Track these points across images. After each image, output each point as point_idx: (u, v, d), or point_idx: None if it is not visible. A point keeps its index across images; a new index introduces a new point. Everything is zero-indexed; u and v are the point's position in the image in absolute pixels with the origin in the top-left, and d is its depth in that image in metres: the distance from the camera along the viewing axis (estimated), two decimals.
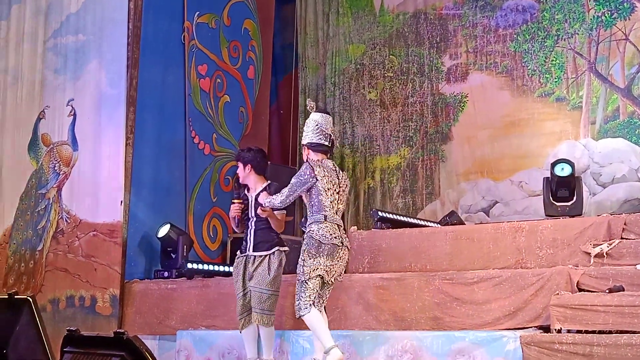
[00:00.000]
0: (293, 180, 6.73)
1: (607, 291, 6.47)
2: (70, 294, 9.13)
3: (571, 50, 10.05)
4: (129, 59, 9.20)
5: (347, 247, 6.75)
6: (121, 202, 8.94)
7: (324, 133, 6.77)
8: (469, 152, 10.51)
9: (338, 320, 7.53)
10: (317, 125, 6.79)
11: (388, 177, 10.86)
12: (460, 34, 10.70)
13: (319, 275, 6.51)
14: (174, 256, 8.99)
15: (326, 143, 6.79)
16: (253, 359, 7.23)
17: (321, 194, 6.63)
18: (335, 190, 6.69)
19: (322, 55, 11.48)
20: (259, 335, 7.20)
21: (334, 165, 6.84)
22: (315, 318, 6.50)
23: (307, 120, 6.91)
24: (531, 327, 6.79)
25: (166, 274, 8.97)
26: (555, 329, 6.45)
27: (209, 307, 8.33)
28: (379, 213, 9.04)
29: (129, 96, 9.12)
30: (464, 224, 9.52)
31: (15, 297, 3.92)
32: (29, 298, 3.90)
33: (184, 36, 9.99)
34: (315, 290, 6.52)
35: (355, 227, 9.21)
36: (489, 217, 10.17)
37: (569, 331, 6.41)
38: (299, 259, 6.61)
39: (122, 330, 3.08)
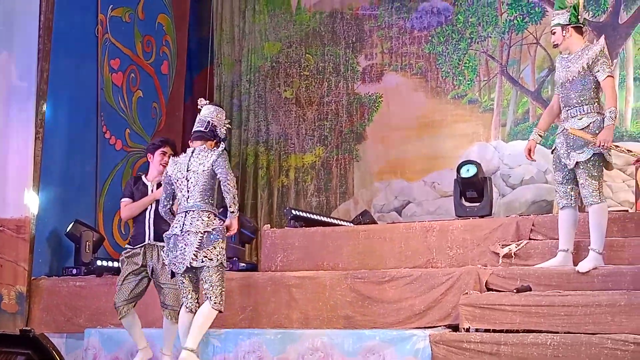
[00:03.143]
0: None
1: (515, 291, 6.59)
2: None
3: (484, 53, 10.20)
4: (40, 51, 8.99)
5: (192, 231, 6.39)
6: (29, 197, 8.77)
7: (200, 120, 6.71)
8: (383, 152, 10.58)
9: (250, 319, 7.51)
10: (198, 117, 6.76)
11: (302, 176, 10.87)
12: (375, 35, 10.77)
13: (171, 270, 6.54)
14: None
15: (200, 128, 6.67)
16: (146, 347, 7.14)
17: (176, 189, 6.61)
18: (184, 177, 6.54)
19: (238, 52, 11.43)
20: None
21: (192, 151, 6.63)
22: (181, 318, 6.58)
23: None
24: (441, 325, 6.88)
25: (75, 271, 8.82)
26: (464, 328, 6.55)
27: None
28: (293, 211, 9.04)
29: (39, 89, 8.94)
30: (377, 224, 9.59)
31: None
32: None
33: (98, 29, 9.83)
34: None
35: (269, 225, 9.20)
36: (401, 217, 10.25)
37: (477, 330, 6.51)
38: None
39: (29, 328, 3.01)
